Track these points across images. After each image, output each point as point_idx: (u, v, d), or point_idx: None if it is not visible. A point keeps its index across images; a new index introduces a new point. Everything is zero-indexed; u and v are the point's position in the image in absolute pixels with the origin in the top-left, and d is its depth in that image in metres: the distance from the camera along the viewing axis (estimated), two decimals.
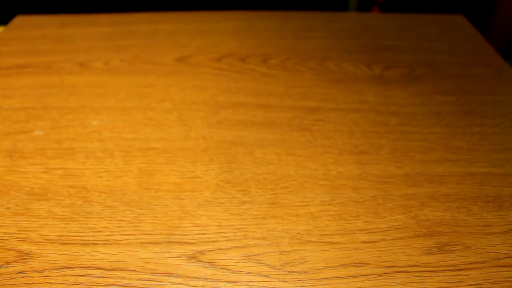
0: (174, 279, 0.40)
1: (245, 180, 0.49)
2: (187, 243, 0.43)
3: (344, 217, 0.45)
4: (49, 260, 0.41)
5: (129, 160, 0.51)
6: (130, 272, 0.40)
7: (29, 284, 0.39)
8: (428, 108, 0.59)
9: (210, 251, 0.42)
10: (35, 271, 0.40)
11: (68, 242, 0.43)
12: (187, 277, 0.40)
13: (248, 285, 0.39)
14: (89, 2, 1.42)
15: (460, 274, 0.40)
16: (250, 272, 0.40)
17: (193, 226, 0.44)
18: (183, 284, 0.39)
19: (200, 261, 0.41)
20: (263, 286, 0.39)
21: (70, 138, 0.54)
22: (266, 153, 0.52)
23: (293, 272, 0.40)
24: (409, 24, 0.80)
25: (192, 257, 0.41)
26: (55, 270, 0.40)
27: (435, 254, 0.42)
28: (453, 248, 0.42)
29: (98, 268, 0.40)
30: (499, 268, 0.40)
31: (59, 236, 0.43)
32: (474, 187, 0.48)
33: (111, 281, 0.39)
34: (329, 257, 0.41)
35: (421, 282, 0.39)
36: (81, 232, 0.44)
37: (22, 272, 0.40)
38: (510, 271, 0.40)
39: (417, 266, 0.41)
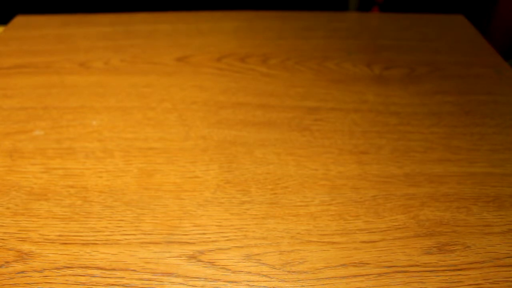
0: (174, 279, 0.40)
1: (245, 180, 0.49)
2: (187, 243, 0.43)
3: (344, 217, 0.45)
4: (49, 260, 0.41)
5: (129, 160, 0.51)
6: (130, 272, 0.40)
7: (29, 284, 0.39)
8: (428, 108, 0.59)
9: (210, 251, 0.42)
10: (35, 271, 0.40)
11: (68, 242, 0.43)
12: (187, 277, 0.40)
13: (248, 285, 0.39)
14: (89, 2, 1.42)
15: (460, 274, 0.40)
16: (250, 272, 0.40)
17: (193, 226, 0.44)
18: (183, 284, 0.39)
19: (200, 261, 0.41)
20: (263, 286, 0.39)
21: (70, 138, 0.54)
22: (266, 153, 0.52)
23: (293, 272, 0.40)
24: (409, 24, 0.80)
25: (192, 257, 0.41)
26: (55, 270, 0.40)
27: (435, 254, 0.42)
28: (453, 248, 0.42)
29: (98, 268, 0.40)
30: (499, 268, 0.40)
31: (59, 236, 0.43)
32: (474, 187, 0.48)
33: (111, 281, 0.39)
34: (329, 257, 0.41)
35: (421, 282, 0.39)
36: (81, 232, 0.44)
37: (22, 272, 0.40)
38: (510, 271, 0.40)
39: (417, 266, 0.41)
